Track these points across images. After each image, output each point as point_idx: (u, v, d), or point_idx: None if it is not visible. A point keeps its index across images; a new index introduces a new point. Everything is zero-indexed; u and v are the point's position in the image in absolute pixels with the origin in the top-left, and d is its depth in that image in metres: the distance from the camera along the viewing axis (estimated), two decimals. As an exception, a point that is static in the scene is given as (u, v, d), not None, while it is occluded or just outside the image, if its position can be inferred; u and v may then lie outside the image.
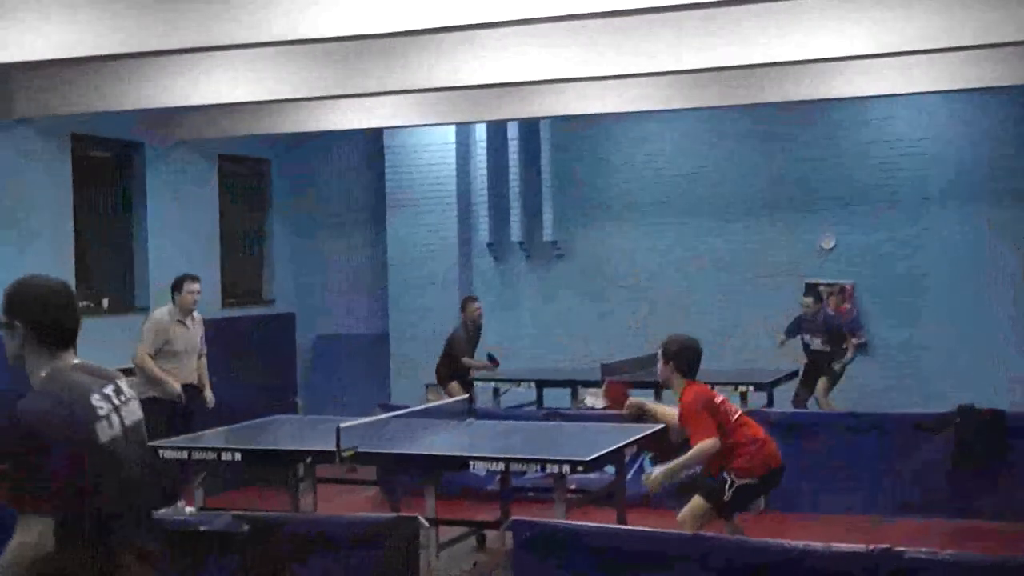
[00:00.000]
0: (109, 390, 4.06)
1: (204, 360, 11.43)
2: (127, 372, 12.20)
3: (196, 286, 11.13)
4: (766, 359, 14.23)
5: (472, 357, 14.95)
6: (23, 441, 3.79)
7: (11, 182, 13.52)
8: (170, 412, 10.69)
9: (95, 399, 3.96)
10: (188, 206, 16.31)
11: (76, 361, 4.11)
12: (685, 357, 8.04)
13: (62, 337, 4.09)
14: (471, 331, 15.13)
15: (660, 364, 8.12)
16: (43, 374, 4.01)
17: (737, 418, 8.01)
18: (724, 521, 8.05)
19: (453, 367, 14.77)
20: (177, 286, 11.16)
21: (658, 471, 8.04)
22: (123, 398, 4.10)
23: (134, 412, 4.13)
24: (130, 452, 4.02)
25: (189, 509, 9.88)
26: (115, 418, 4.00)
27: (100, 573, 3.86)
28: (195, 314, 11.26)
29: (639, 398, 8.82)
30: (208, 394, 11.25)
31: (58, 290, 4.16)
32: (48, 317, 4.07)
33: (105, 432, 3.93)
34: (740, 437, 7.89)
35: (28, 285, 4.13)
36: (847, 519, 10.20)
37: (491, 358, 14.78)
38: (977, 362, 14.74)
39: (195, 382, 11.31)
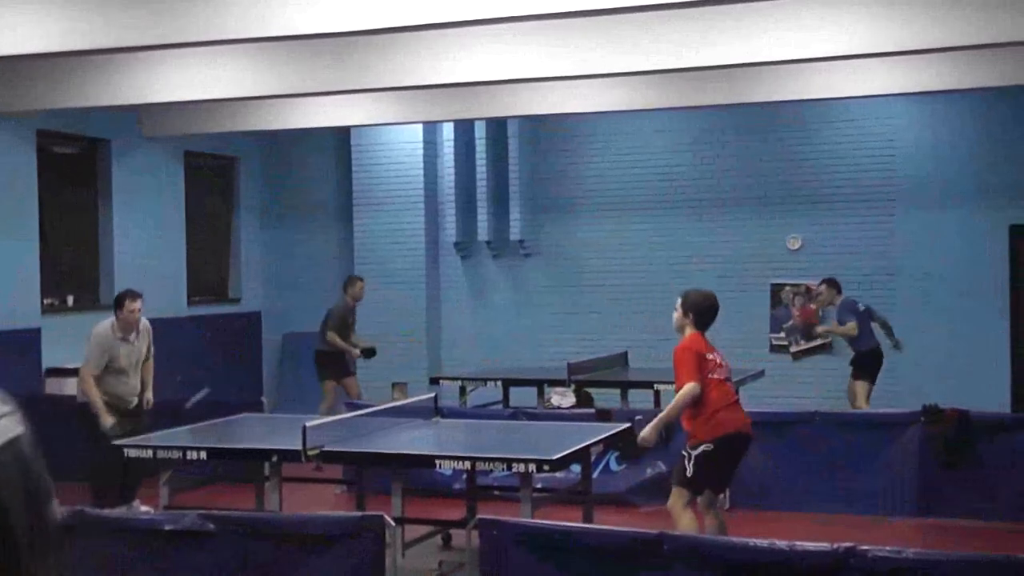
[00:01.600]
0: None
1: (151, 363, 11.22)
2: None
3: (137, 304, 10.81)
4: (732, 358, 14.27)
5: (347, 341, 14.78)
6: None
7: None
8: (118, 415, 10.62)
9: None
10: (154, 203, 16.28)
11: None
12: (702, 311, 8.33)
13: None
14: (349, 312, 15.02)
15: (678, 314, 8.35)
16: None
17: (716, 379, 8.15)
18: (706, 511, 8.08)
19: (330, 352, 14.71)
20: (119, 303, 10.89)
21: (648, 427, 8.16)
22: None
23: (14, 426, 3.94)
24: (11, 469, 3.78)
25: (144, 508, 9.89)
26: None
27: None
28: (143, 323, 11.00)
29: (647, 434, 8.57)
30: (149, 395, 11.10)
31: None
32: None
33: None
34: (705, 404, 7.99)
35: None
36: (813, 517, 10.25)
37: (368, 351, 14.99)
38: (947, 359, 14.84)
39: (137, 400, 11.03)
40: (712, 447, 7.91)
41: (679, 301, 8.38)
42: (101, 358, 10.62)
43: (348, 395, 14.27)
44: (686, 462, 7.96)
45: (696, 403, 7.99)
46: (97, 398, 10.59)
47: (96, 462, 10.43)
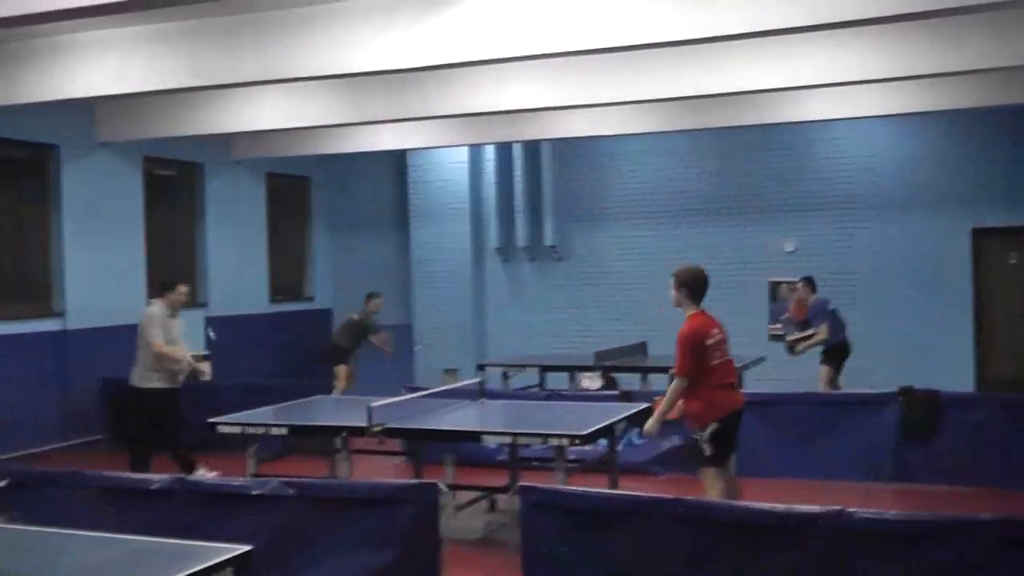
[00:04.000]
0: None
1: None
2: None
3: (185, 288, 11.01)
4: (735, 346, 14.18)
5: (355, 348, 14.90)
6: None
7: (93, 196, 13.59)
8: (174, 398, 10.68)
9: None
10: (241, 217, 16.37)
11: None
12: (694, 284, 7.95)
13: None
14: (364, 323, 14.94)
15: (672, 291, 7.98)
16: None
17: (717, 364, 7.80)
18: (723, 472, 7.85)
19: (343, 348, 14.84)
20: (171, 287, 10.97)
21: (651, 420, 7.99)
22: None
23: None
24: None
25: (212, 474, 9.92)
26: None
27: None
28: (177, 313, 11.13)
29: (650, 427, 8.47)
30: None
31: None
32: None
33: None
34: (705, 390, 7.71)
35: None
36: (805, 483, 10.20)
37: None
38: (917, 348, 14.76)
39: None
40: (719, 425, 7.75)
41: (672, 281, 7.99)
42: (163, 327, 10.65)
43: (337, 378, 14.40)
44: (702, 444, 7.69)
45: (696, 389, 7.75)
46: (184, 355, 10.72)
47: (142, 438, 10.61)
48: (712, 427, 7.68)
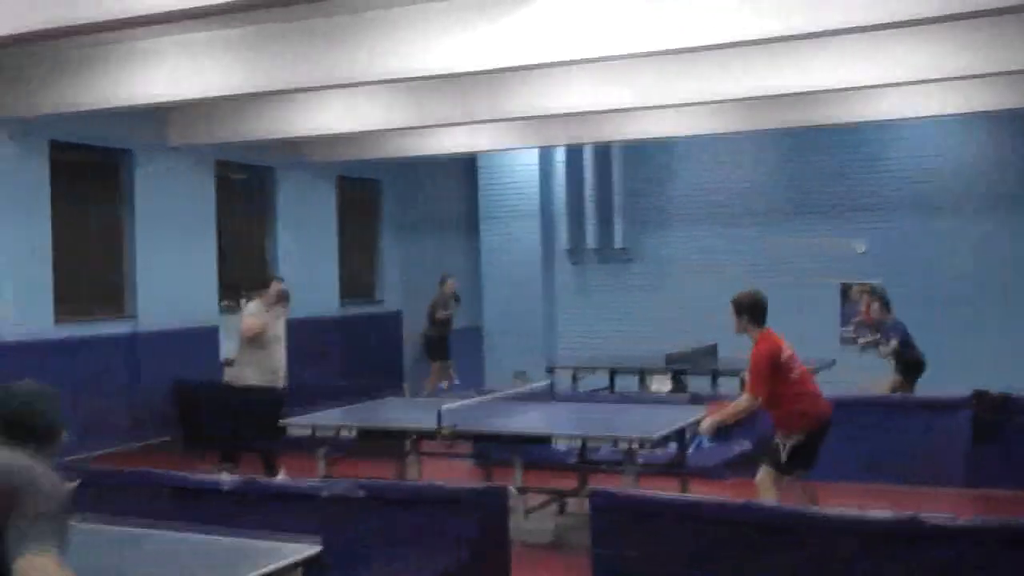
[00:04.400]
0: None
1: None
2: (229, 364, 12.34)
3: (282, 284, 11.14)
4: (804, 350, 14.04)
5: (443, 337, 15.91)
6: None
7: (165, 200, 13.76)
8: (265, 396, 10.70)
9: None
10: (312, 220, 16.50)
11: None
12: (755, 309, 7.89)
13: None
14: (434, 305, 15.88)
15: (734, 319, 7.93)
16: None
17: (797, 376, 7.79)
18: (798, 481, 7.84)
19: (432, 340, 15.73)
20: (266, 284, 11.11)
21: (709, 420, 7.98)
22: None
23: None
24: None
25: (282, 477, 9.99)
26: None
27: None
28: (283, 306, 11.16)
29: (706, 427, 8.46)
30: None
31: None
32: None
33: None
34: (792, 400, 7.70)
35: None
36: (877, 488, 10.08)
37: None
38: (991, 349, 14.50)
39: (283, 371, 11.09)
40: (804, 438, 7.71)
41: (731, 308, 7.94)
42: (259, 322, 10.73)
43: (443, 378, 14.77)
44: (780, 450, 7.65)
45: (782, 401, 7.72)
46: (278, 362, 10.84)
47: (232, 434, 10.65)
48: (797, 438, 7.65)
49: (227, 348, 14.24)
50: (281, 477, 10.30)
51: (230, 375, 10.98)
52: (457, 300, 15.98)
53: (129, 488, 7.39)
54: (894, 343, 12.93)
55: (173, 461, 11.55)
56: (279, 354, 10.95)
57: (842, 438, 8.83)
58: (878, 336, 13.33)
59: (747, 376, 7.88)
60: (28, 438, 3.65)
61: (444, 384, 15.36)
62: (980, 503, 9.69)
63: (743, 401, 7.79)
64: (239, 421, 10.70)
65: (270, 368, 10.83)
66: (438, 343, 15.67)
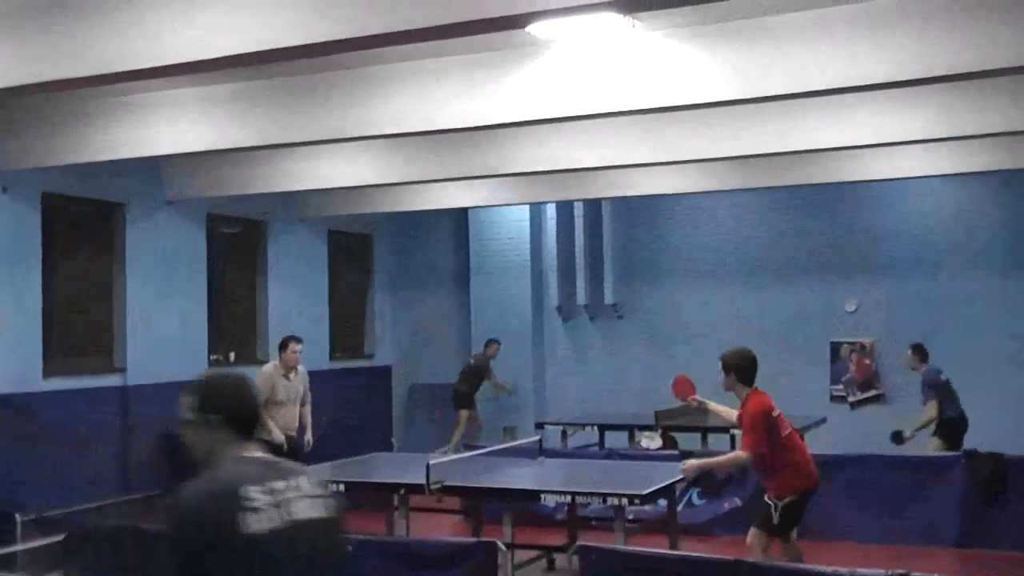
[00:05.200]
0: (279, 484, 3.46)
1: (308, 408, 11.39)
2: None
3: (299, 347, 11.15)
4: (795, 407, 14.05)
5: (473, 392, 16.13)
6: (172, 532, 3.37)
7: (158, 253, 13.76)
8: (275, 451, 10.69)
9: (250, 490, 3.37)
10: (304, 274, 16.49)
11: (249, 454, 3.57)
12: (744, 367, 7.92)
13: (245, 427, 3.63)
14: (479, 368, 16.16)
15: (722, 376, 7.97)
16: (219, 463, 3.53)
17: (786, 436, 7.83)
18: (782, 542, 7.89)
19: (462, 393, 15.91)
20: (283, 346, 11.20)
21: (695, 461, 8.00)
22: (298, 493, 3.49)
23: (312, 509, 3.51)
24: (296, 547, 3.41)
25: None
26: (276, 512, 3.38)
27: None
28: (299, 368, 11.22)
29: (700, 398, 8.75)
30: (308, 436, 11.22)
31: (245, 382, 3.72)
32: (242, 407, 3.64)
33: (254, 524, 3.32)
34: (785, 459, 7.73)
35: (217, 382, 3.72)
36: (868, 547, 10.05)
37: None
38: (984, 409, 14.48)
39: (295, 428, 11.27)
40: (797, 498, 7.73)
41: (720, 365, 7.99)
42: (264, 389, 10.79)
43: (472, 427, 15.04)
44: (772, 511, 7.67)
45: (776, 462, 7.74)
46: (267, 420, 10.74)
47: None
48: (790, 498, 7.66)
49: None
50: None
51: None
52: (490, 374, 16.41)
53: (117, 542, 7.34)
54: (931, 410, 12.60)
55: (162, 515, 11.48)
56: (291, 414, 10.97)
57: (834, 496, 8.85)
58: (871, 393, 13.35)
59: (742, 436, 7.88)
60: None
61: (473, 430, 15.82)
62: (972, 563, 9.67)
63: (738, 455, 7.80)
64: None
65: (280, 427, 10.87)
66: (465, 396, 16.01)
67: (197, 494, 3.36)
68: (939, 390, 12.77)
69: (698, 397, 8.79)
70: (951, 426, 12.67)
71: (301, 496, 3.48)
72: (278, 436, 10.73)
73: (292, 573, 3.40)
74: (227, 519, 3.29)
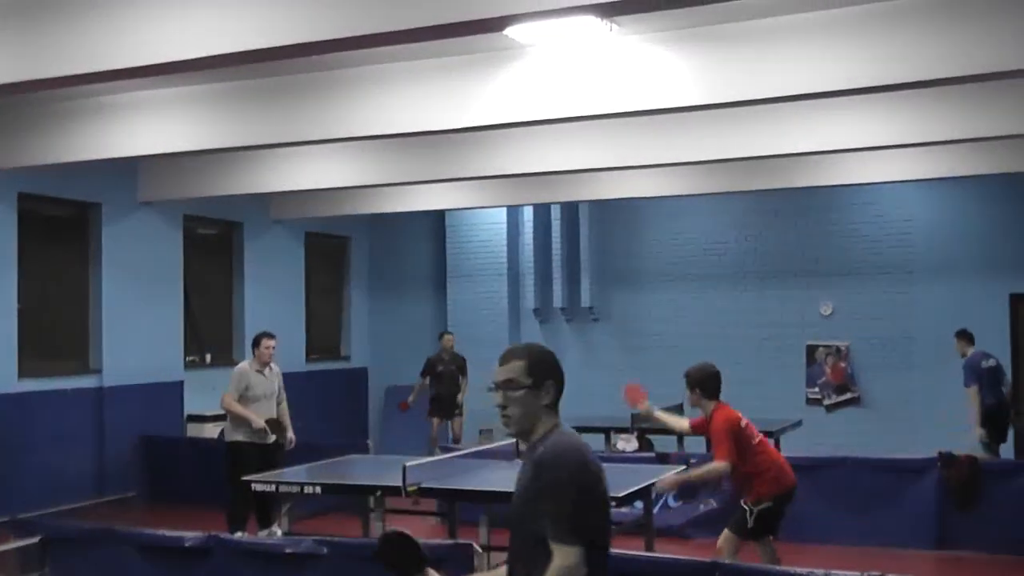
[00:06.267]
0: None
1: (285, 406, 11.28)
2: (220, 418, 12.29)
3: (272, 342, 11.02)
4: (771, 410, 14.08)
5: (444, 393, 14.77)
6: (570, 479, 3.63)
7: (133, 254, 13.71)
8: (255, 452, 10.63)
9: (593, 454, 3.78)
10: (279, 276, 16.46)
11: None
12: (708, 382, 7.94)
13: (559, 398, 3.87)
14: (428, 361, 14.98)
15: (688, 393, 8.02)
16: (550, 428, 3.80)
17: (757, 443, 7.87)
18: (757, 544, 7.92)
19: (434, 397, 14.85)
20: (256, 342, 11.06)
21: (672, 475, 8.01)
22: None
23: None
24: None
25: (279, 532, 9.91)
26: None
27: None
28: (273, 366, 11.11)
29: (650, 406, 8.69)
30: (291, 435, 11.14)
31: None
32: (563, 379, 3.87)
33: (604, 481, 3.77)
34: (759, 464, 7.76)
35: (547, 351, 3.91)
36: (844, 549, 10.08)
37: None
38: (959, 412, 14.54)
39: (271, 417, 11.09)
40: (772, 503, 7.76)
41: (685, 382, 8.01)
42: (239, 385, 10.72)
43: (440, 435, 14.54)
44: (747, 516, 7.71)
45: (750, 467, 7.77)
46: (240, 408, 10.69)
47: (233, 493, 10.45)
48: (765, 504, 7.69)
49: (193, 404, 14.19)
50: (276, 530, 10.21)
51: (224, 431, 11.04)
52: (457, 360, 14.99)
53: (92, 544, 7.30)
54: (971, 390, 12.47)
55: (137, 517, 11.45)
56: (267, 410, 10.89)
57: (810, 499, 8.89)
58: (846, 396, 13.37)
59: (713, 448, 7.90)
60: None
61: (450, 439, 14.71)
62: (948, 565, 9.71)
63: (715, 466, 7.81)
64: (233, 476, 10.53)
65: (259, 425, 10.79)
66: (438, 401, 14.82)
67: (581, 452, 3.70)
68: (978, 375, 12.60)
69: (647, 404, 8.73)
70: (989, 415, 12.55)
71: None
72: (256, 420, 10.66)
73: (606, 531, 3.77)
74: (597, 477, 3.72)
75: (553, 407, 3.83)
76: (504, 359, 3.88)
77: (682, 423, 8.54)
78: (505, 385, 3.83)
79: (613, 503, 7.97)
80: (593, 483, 3.68)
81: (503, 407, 3.86)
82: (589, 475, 3.67)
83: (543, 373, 3.81)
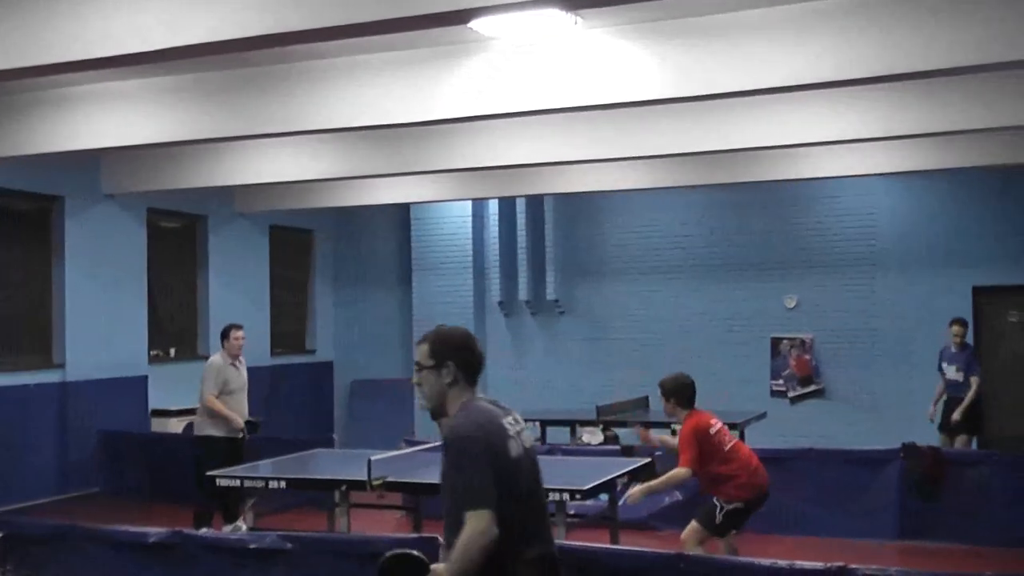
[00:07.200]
0: (510, 419, 4.22)
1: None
2: (190, 412, 12.20)
3: (241, 333, 10.96)
4: (736, 402, 14.13)
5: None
6: (464, 451, 3.98)
7: (96, 248, 13.61)
8: (226, 446, 10.58)
9: (505, 422, 4.15)
10: (244, 269, 16.38)
11: (480, 396, 4.25)
12: (681, 392, 8.00)
13: (475, 375, 4.23)
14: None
15: (663, 402, 8.11)
16: (459, 405, 4.16)
17: (730, 447, 7.91)
18: (719, 539, 7.99)
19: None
20: (225, 334, 10.98)
21: (639, 488, 8.04)
22: (520, 426, 4.26)
23: (528, 438, 4.29)
24: (529, 468, 4.21)
25: (243, 527, 9.86)
26: (518, 441, 4.15)
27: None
28: (242, 357, 11.08)
29: (653, 436, 8.88)
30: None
31: (472, 336, 4.30)
32: (473, 357, 4.22)
33: (514, 449, 4.10)
34: (731, 467, 7.81)
35: (453, 333, 4.23)
36: (808, 540, 10.13)
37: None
38: (922, 403, 14.65)
39: (250, 418, 11.08)
40: (743, 505, 7.82)
41: (660, 392, 8.10)
42: (218, 380, 10.65)
43: None
44: (717, 512, 7.77)
45: (721, 472, 7.82)
46: (225, 408, 10.61)
47: (199, 488, 10.38)
48: (736, 504, 7.75)
49: (158, 398, 14.10)
50: (240, 525, 10.15)
51: (195, 425, 10.90)
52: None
53: (54, 541, 7.24)
54: (975, 380, 12.63)
55: (100, 513, 11.37)
56: (242, 405, 10.83)
57: (774, 490, 8.92)
58: (811, 388, 13.43)
59: (680, 452, 7.93)
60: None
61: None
62: (912, 555, 9.78)
63: (678, 472, 7.85)
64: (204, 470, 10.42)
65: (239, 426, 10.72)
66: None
67: (476, 423, 4.05)
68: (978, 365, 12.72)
69: (652, 436, 8.91)
70: (977, 409, 12.74)
71: (523, 428, 4.26)
72: (237, 421, 10.61)
73: (526, 493, 4.14)
74: (500, 445, 4.05)
75: (461, 385, 4.18)
76: (417, 343, 4.28)
77: (675, 441, 8.57)
78: (416, 367, 4.23)
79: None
80: (484, 449, 3.99)
81: (419, 386, 4.26)
82: (477, 443, 3.99)
83: (443, 354, 4.16)
